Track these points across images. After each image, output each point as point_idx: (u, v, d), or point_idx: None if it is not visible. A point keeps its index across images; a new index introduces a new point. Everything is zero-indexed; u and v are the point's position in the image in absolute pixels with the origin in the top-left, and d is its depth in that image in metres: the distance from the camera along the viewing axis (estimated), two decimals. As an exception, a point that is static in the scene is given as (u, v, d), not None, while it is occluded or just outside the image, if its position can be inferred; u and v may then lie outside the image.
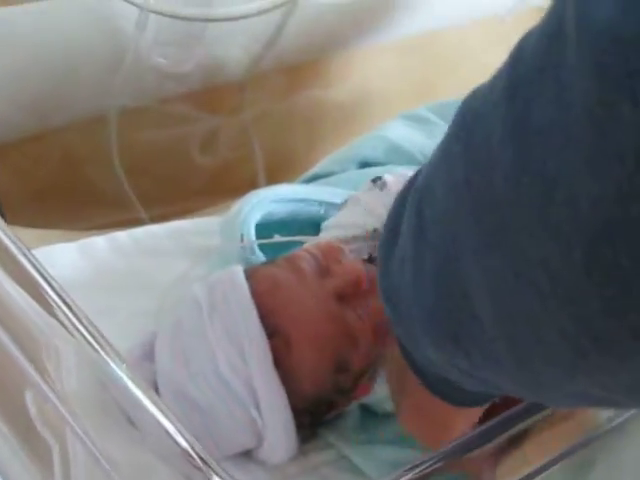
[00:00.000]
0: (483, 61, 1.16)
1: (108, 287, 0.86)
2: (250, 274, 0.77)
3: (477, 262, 0.44)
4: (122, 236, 0.92)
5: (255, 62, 1.14)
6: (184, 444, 0.46)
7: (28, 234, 0.90)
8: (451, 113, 0.81)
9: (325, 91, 1.26)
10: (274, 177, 1.16)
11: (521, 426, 0.63)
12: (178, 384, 0.72)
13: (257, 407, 0.70)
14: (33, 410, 0.60)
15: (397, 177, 0.87)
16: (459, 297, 0.46)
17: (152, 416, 0.49)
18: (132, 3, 0.97)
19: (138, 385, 0.50)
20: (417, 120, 1.03)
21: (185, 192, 1.10)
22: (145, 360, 0.75)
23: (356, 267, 0.77)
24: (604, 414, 0.73)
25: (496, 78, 0.41)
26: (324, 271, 0.76)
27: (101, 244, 0.91)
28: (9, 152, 1.01)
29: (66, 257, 0.88)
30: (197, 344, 0.72)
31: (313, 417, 0.75)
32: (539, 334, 0.42)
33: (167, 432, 0.48)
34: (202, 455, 0.46)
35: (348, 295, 0.75)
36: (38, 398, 0.58)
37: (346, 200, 0.90)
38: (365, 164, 1.01)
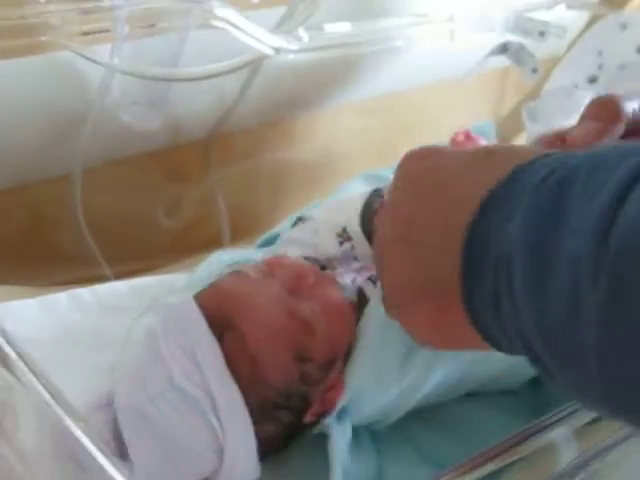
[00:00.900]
0: (443, 122, 1.18)
1: (68, 343, 0.85)
2: (197, 294, 0.79)
3: None
4: (84, 292, 0.91)
5: (220, 122, 1.13)
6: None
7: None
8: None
9: (290, 151, 1.26)
10: (239, 234, 1.17)
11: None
12: (137, 410, 0.71)
13: (215, 410, 0.69)
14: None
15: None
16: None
17: (108, 475, 0.48)
18: (97, 62, 0.94)
19: (96, 444, 0.49)
20: (377, 179, 1.03)
21: (150, 250, 1.08)
22: (98, 409, 0.74)
23: (299, 262, 0.81)
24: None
25: None
26: (268, 274, 0.79)
27: (63, 300, 0.90)
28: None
29: (26, 313, 0.87)
30: (153, 364, 0.72)
31: (293, 415, 0.74)
32: None
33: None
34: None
35: (296, 289, 0.77)
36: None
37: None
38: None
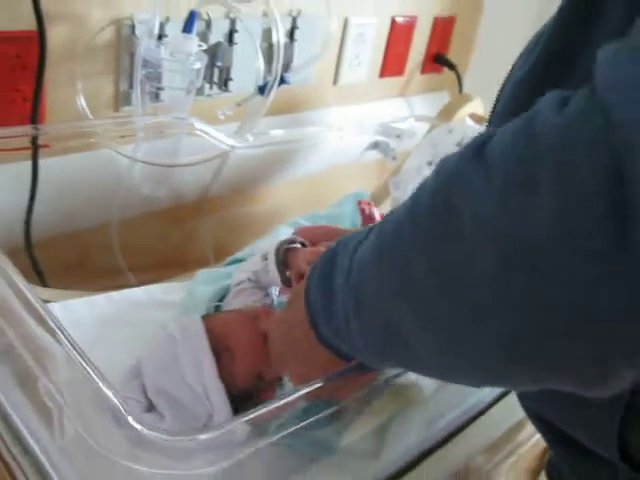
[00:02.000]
0: (343, 191, 1.16)
1: (103, 323, 0.85)
2: (206, 318, 0.77)
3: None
4: (114, 294, 0.91)
5: (205, 190, 1.15)
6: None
7: (56, 293, 0.91)
8: (318, 221, 0.84)
9: (251, 208, 1.26)
10: (218, 258, 1.15)
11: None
12: (160, 386, 0.72)
13: (208, 399, 0.69)
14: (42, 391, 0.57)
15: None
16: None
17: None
18: (125, 156, 1.00)
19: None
20: (296, 224, 1.03)
21: (162, 264, 1.10)
22: (132, 377, 0.74)
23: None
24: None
25: None
26: (257, 318, 0.76)
27: (101, 300, 0.89)
28: (54, 242, 1.00)
29: (77, 307, 0.86)
30: (172, 364, 0.72)
31: (244, 399, 0.73)
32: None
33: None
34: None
35: None
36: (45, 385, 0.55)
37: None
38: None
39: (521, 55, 0.54)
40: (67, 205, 0.99)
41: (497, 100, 0.56)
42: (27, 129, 0.85)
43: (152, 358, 0.75)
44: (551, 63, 0.47)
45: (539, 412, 0.57)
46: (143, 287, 0.94)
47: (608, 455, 0.47)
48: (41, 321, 0.53)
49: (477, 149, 0.37)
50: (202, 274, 0.99)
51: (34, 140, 0.86)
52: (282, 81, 1.06)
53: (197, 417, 0.69)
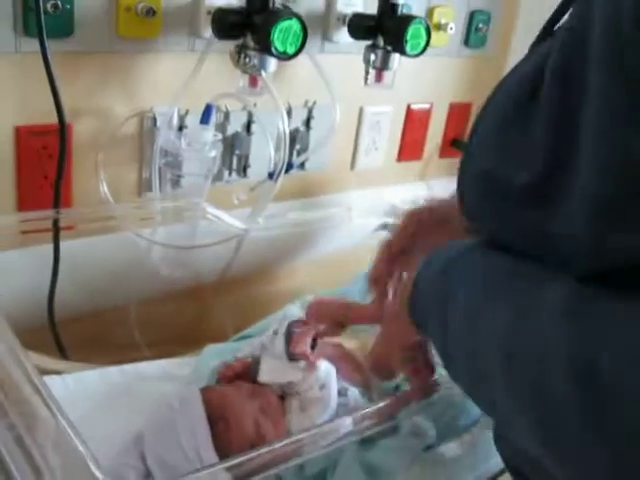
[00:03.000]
0: (358, 269, 1.18)
1: (113, 394, 0.88)
2: (205, 389, 0.81)
3: None
4: (127, 367, 0.95)
5: (223, 272, 1.18)
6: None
7: (72, 365, 0.95)
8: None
9: (270, 287, 1.27)
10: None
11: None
12: (158, 453, 0.75)
13: (201, 462, 0.71)
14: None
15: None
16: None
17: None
18: (144, 238, 1.06)
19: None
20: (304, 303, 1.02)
21: (179, 341, 1.11)
22: (133, 445, 0.78)
23: (268, 393, 0.80)
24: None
25: None
26: (252, 395, 0.80)
27: (114, 372, 0.93)
28: (75, 318, 1.04)
29: (90, 378, 0.90)
30: (170, 432, 0.75)
31: None
32: None
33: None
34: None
35: (264, 412, 0.79)
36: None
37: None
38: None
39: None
40: (88, 285, 1.04)
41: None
42: (49, 213, 0.92)
43: (152, 426, 0.78)
44: None
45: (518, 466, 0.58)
46: (155, 361, 0.97)
47: None
48: (36, 390, 0.55)
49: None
50: (210, 348, 1.02)
51: (56, 223, 0.93)
52: (290, 166, 1.13)
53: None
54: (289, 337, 0.84)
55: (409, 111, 1.43)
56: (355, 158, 1.38)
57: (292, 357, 0.83)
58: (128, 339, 1.09)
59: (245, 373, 0.84)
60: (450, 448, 0.76)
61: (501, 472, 0.79)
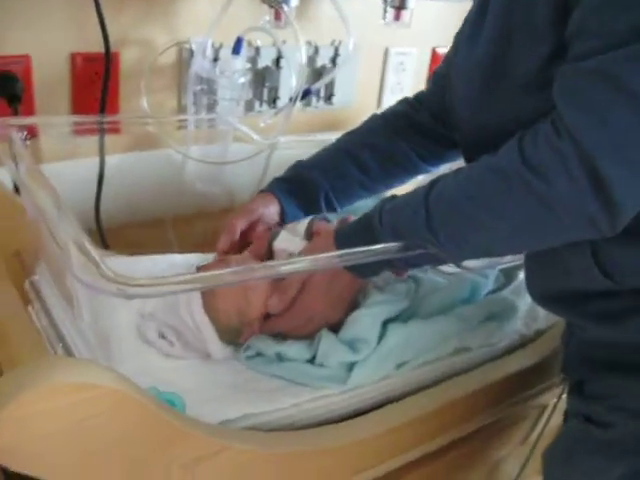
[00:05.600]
0: None
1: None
2: (200, 267, 0.84)
3: None
4: (158, 257, 0.95)
5: (255, 191, 1.15)
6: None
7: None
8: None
9: None
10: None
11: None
12: (166, 320, 0.79)
13: (198, 329, 0.77)
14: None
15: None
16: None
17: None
18: (181, 153, 1.18)
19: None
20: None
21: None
22: (149, 318, 0.81)
23: None
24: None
25: None
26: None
27: (146, 260, 0.93)
28: (125, 228, 1.16)
29: (125, 263, 0.91)
30: (174, 302, 0.79)
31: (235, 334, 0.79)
32: None
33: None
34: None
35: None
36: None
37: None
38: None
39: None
40: (129, 197, 1.16)
41: None
42: (98, 118, 1.06)
43: (163, 302, 0.83)
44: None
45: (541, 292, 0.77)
46: (184, 255, 1.01)
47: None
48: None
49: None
50: None
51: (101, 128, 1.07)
52: (308, 92, 1.26)
53: (197, 347, 0.79)
54: (311, 224, 0.88)
55: (434, 54, 1.52)
56: (381, 97, 1.50)
57: (309, 238, 0.87)
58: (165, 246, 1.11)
59: (261, 241, 0.88)
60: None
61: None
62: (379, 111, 1.01)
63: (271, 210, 0.91)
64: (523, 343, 0.92)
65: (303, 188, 0.94)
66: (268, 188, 0.95)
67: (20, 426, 0.48)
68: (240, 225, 0.89)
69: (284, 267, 0.65)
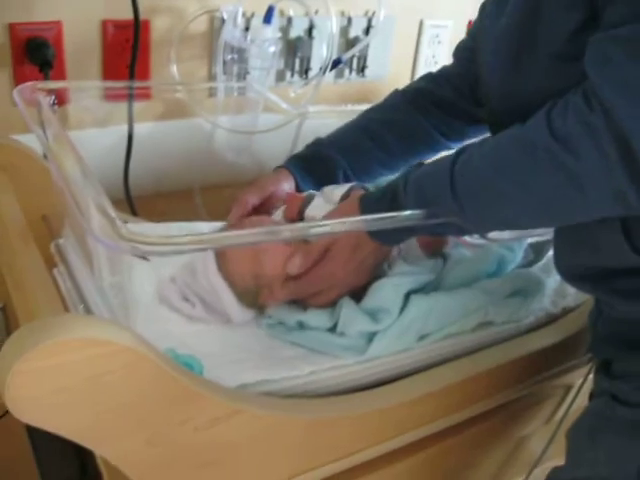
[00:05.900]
0: None
1: None
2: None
3: None
4: (184, 224, 0.94)
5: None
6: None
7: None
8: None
9: None
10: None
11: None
12: (187, 284, 0.80)
13: (216, 293, 0.77)
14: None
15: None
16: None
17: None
18: (212, 123, 1.19)
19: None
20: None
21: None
22: (170, 281, 0.82)
23: None
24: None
25: None
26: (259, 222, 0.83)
27: (172, 226, 0.92)
28: (154, 197, 1.16)
29: (150, 228, 0.92)
30: (193, 266, 0.80)
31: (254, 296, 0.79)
32: None
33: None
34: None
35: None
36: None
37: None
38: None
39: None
40: (158, 166, 1.17)
41: None
42: (128, 83, 1.08)
43: (184, 266, 0.83)
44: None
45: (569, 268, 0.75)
46: (211, 222, 1.00)
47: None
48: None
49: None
50: None
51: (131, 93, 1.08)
52: (338, 61, 1.25)
53: (218, 309, 0.79)
54: (348, 191, 0.86)
55: (470, 27, 1.48)
56: (415, 69, 1.47)
57: None
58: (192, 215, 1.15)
59: (293, 206, 0.87)
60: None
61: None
62: (412, 85, 1.00)
63: (285, 187, 0.91)
64: (549, 321, 0.90)
65: (320, 165, 0.93)
66: (284, 165, 0.94)
67: (35, 378, 0.48)
68: (252, 201, 0.89)
69: (300, 231, 0.66)
